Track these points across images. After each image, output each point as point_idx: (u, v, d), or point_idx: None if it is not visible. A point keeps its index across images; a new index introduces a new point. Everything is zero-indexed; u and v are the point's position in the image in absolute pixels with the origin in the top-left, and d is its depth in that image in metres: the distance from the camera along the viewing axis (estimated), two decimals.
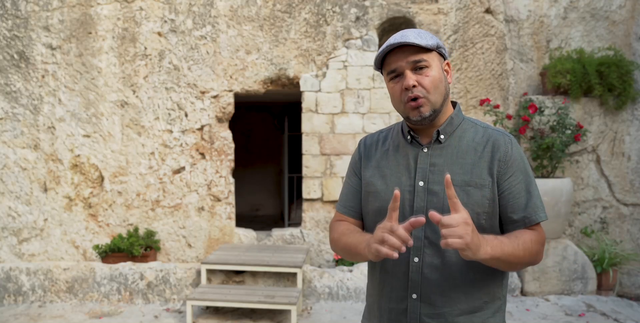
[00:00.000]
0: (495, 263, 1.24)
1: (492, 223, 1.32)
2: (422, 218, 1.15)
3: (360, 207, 1.50)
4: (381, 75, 5.26)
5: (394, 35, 1.34)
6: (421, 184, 1.34)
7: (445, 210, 1.29)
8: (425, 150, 1.37)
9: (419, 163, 1.36)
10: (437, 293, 1.31)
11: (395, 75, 1.34)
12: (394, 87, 1.35)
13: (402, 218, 1.34)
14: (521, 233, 1.30)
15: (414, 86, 1.30)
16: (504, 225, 1.35)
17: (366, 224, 1.48)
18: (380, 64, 1.39)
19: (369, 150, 1.50)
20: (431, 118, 1.33)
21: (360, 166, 1.50)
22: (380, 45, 5.32)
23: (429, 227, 1.32)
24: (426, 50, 1.31)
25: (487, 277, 1.34)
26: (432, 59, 1.33)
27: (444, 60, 1.38)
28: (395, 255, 1.13)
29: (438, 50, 1.34)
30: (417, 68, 1.31)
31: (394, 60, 1.33)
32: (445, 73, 1.37)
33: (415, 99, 1.31)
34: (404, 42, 1.29)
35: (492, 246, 1.19)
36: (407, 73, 1.31)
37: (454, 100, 1.53)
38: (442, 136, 1.36)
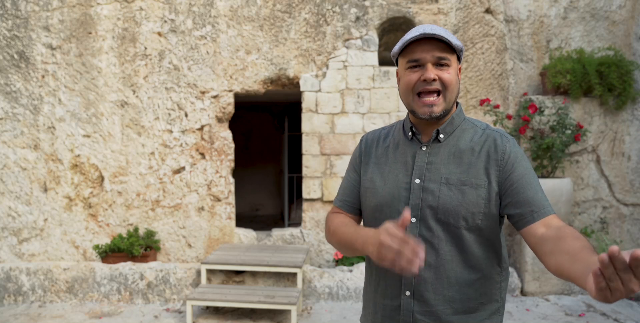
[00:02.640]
0: None
1: (488, 223, 1.31)
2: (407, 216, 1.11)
3: (356, 202, 1.51)
4: (381, 74, 5.23)
5: (422, 26, 1.32)
6: (417, 182, 1.34)
7: (439, 208, 1.30)
8: (424, 148, 1.37)
9: (417, 161, 1.37)
10: (430, 292, 1.31)
11: (415, 65, 1.32)
12: (410, 75, 1.33)
13: (397, 215, 1.35)
14: (573, 242, 1.12)
15: (434, 80, 1.29)
16: (515, 223, 1.30)
17: (365, 220, 1.49)
18: (400, 51, 1.36)
19: (369, 147, 1.50)
20: (439, 118, 1.33)
21: (360, 162, 1.51)
22: (380, 45, 5.32)
23: (424, 225, 1.32)
24: (451, 50, 1.31)
25: (485, 278, 1.33)
26: (453, 60, 1.33)
27: (459, 64, 1.38)
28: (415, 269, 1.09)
29: (459, 53, 1.35)
30: (439, 64, 1.30)
31: (419, 51, 1.30)
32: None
33: (436, 92, 1.30)
34: (437, 35, 1.27)
35: None
36: (429, 66, 1.30)
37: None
38: (441, 135, 1.37)
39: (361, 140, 1.55)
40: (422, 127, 1.40)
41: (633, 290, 0.84)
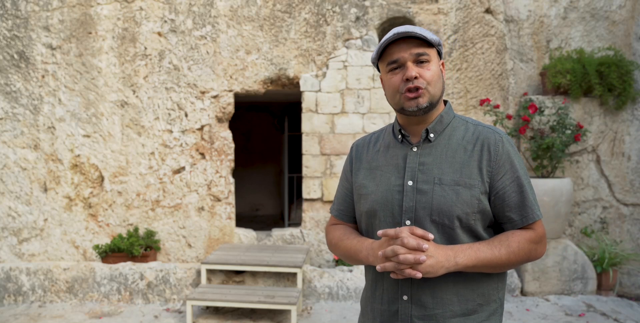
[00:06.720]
0: (473, 269, 1.26)
1: (481, 223, 1.31)
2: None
3: (352, 210, 1.50)
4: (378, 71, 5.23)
5: (396, 28, 1.34)
6: (410, 184, 1.33)
7: (434, 209, 1.29)
8: (415, 149, 1.36)
9: (408, 162, 1.35)
10: (428, 295, 1.29)
11: (395, 67, 1.33)
12: (392, 77, 1.33)
13: (391, 218, 1.34)
14: (507, 236, 1.30)
15: (415, 77, 1.29)
16: (502, 224, 1.35)
17: (360, 226, 1.47)
18: (379, 56, 1.37)
19: (360, 153, 1.50)
20: (426, 110, 1.32)
21: (351, 169, 1.50)
22: None
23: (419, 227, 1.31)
24: (429, 45, 1.32)
25: (482, 278, 1.32)
26: (433, 55, 1.33)
27: (440, 59, 1.38)
28: (419, 275, 1.22)
29: (438, 47, 1.35)
30: (419, 61, 1.31)
31: (396, 51, 1.31)
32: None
33: (416, 89, 1.30)
34: (411, 32, 1.28)
35: (464, 256, 1.23)
36: (409, 64, 1.30)
37: (446, 99, 1.53)
38: (431, 135, 1.35)
39: (351, 148, 1.55)
40: (411, 128, 1.39)
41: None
